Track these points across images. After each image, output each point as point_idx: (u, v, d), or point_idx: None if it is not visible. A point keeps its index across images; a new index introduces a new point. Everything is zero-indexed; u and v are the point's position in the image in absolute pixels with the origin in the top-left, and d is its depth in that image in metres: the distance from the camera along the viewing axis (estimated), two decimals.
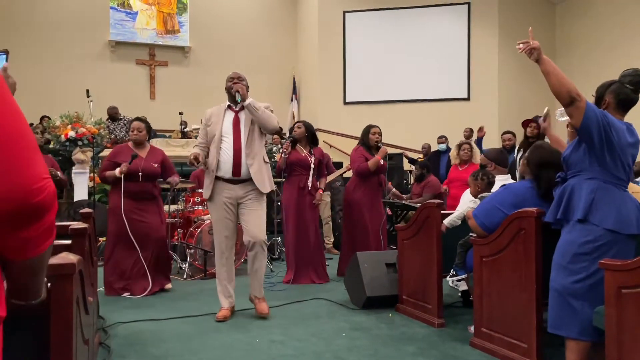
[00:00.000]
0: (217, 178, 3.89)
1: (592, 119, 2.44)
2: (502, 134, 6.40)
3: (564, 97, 2.48)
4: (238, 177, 3.87)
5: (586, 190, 2.51)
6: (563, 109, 2.61)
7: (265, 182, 3.93)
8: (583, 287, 2.48)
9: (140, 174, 4.71)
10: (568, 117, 2.60)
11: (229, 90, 3.93)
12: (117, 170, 4.65)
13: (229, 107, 3.97)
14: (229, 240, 3.99)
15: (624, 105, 2.61)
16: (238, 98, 3.83)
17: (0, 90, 0.82)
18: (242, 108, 3.92)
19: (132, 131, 4.86)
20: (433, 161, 8.36)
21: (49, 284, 1.49)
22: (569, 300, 2.52)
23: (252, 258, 3.98)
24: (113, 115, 9.75)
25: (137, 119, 5.11)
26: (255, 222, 3.94)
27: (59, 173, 4.55)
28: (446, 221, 3.71)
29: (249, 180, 3.89)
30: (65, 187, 4.99)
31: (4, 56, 1.38)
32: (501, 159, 4.11)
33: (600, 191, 2.50)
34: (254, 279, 4.05)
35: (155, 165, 4.81)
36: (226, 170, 3.86)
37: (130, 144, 4.91)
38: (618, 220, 2.46)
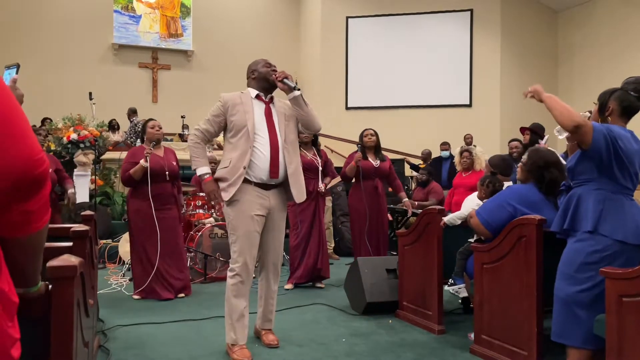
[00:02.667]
0: (245, 181, 3.14)
1: (600, 140, 2.46)
2: (509, 142, 6.40)
3: (569, 127, 2.47)
4: (275, 179, 3.19)
5: (594, 201, 2.51)
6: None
7: (302, 188, 3.30)
8: (589, 296, 2.48)
9: (167, 172, 4.68)
10: (567, 133, 2.61)
11: (265, 76, 3.27)
12: (142, 160, 4.57)
13: (257, 96, 3.28)
14: (254, 261, 3.23)
15: (628, 113, 2.61)
16: (293, 84, 3.19)
17: None
18: (272, 99, 3.32)
19: (153, 128, 4.78)
20: (435, 167, 8.38)
21: (50, 286, 1.50)
22: (574, 309, 2.51)
23: (267, 282, 3.40)
24: (130, 115, 9.78)
25: (151, 119, 4.99)
26: (280, 240, 3.35)
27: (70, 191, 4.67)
28: (446, 218, 3.68)
29: (280, 186, 3.27)
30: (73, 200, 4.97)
31: (15, 69, 1.42)
32: (503, 167, 4.09)
33: (608, 202, 2.50)
34: (266, 307, 3.45)
35: (175, 163, 4.81)
36: (261, 171, 3.14)
37: (146, 145, 4.77)
38: (628, 231, 2.46)
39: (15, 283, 1.00)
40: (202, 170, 3.19)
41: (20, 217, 0.90)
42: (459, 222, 3.65)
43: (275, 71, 3.28)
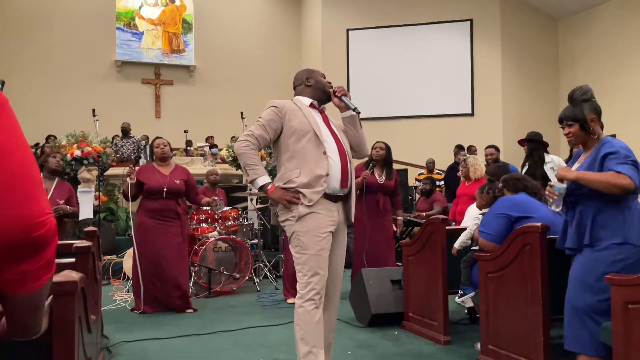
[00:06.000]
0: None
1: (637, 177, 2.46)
2: (485, 148, 6.45)
3: (620, 192, 2.47)
4: (345, 188, 2.81)
5: (613, 212, 2.50)
6: (555, 164, 2.69)
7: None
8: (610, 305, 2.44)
9: (165, 190, 4.71)
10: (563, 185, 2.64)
11: (323, 87, 2.99)
12: (128, 178, 4.60)
13: (310, 104, 2.96)
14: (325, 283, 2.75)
15: (600, 117, 2.72)
16: (353, 105, 2.93)
17: (11, 122, 0.82)
18: (324, 110, 3.04)
19: (158, 147, 4.87)
20: (452, 174, 8.31)
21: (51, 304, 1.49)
22: (596, 319, 2.47)
23: (327, 312, 2.83)
24: (126, 130, 9.80)
25: (157, 137, 5.07)
26: (343, 261, 2.93)
27: (68, 208, 4.54)
28: (456, 244, 3.68)
29: (344, 198, 2.86)
30: (76, 217, 4.97)
31: None
32: (500, 174, 4.10)
33: (626, 210, 2.49)
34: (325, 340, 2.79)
35: (178, 182, 4.81)
36: (334, 180, 2.76)
37: (155, 163, 4.86)
38: None
39: (15, 334, 0.96)
40: (264, 179, 2.75)
41: (17, 277, 0.85)
42: (470, 241, 3.65)
43: (330, 83, 3.03)
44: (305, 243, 2.67)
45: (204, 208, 5.97)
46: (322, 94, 2.99)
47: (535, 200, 3.29)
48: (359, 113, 2.94)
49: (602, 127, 2.76)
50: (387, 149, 5.34)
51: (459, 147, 9.71)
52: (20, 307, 0.93)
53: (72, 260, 2.44)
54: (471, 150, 9.32)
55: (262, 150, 8.85)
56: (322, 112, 2.98)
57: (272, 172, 8.24)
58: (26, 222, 0.81)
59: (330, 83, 3.04)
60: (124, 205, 8.07)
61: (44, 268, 0.88)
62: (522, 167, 5.46)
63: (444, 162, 9.86)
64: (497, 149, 6.44)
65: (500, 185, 3.57)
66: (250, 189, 6.75)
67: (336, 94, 2.95)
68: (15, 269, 0.84)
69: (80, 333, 1.73)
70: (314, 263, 2.65)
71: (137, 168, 4.77)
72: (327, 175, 2.70)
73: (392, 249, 5.35)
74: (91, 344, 2.24)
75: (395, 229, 5.47)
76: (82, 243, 2.61)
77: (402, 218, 5.48)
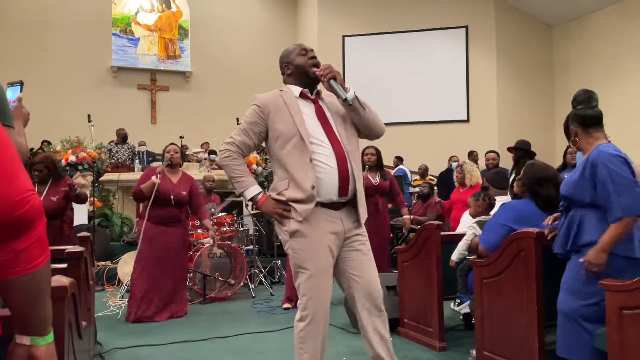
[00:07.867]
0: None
1: None
2: (486, 154, 6.49)
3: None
4: (345, 197, 2.45)
5: (599, 220, 2.48)
6: None
7: (365, 207, 2.60)
8: (596, 310, 2.43)
9: (172, 197, 4.73)
10: None
11: (305, 71, 2.53)
12: (154, 177, 4.63)
13: (300, 94, 2.53)
14: (329, 305, 2.43)
15: (591, 124, 2.60)
16: (343, 95, 2.43)
17: None
18: (319, 95, 2.60)
19: (169, 152, 4.90)
20: (445, 179, 8.35)
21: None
22: (581, 323, 2.47)
23: (374, 326, 2.43)
24: (125, 136, 9.78)
25: (171, 144, 5.11)
26: (374, 271, 2.50)
27: (77, 188, 4.71)
28: (454, 257, 3.64)
29: (349, 203, 2.50)
30: (84, 201, 5.19)
31: (19, 87, 1.40)
32: (497, 179, 4.09)
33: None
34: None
35: (184, 193, 4.85)
36: (329, 188, 2.39)
37: (163, 167, 4.83)
38: (635, 247, 2.43)
39: (19, 329, 0.94)
40: (252, 191, 2.43)
41: (8, 256, 0.85)
42: (467, 252, 3.61)
43: (315, 59, 2.56)
44: (303, 259, 2.37)
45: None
46: (306, 78, 2.54)
47: (540, 213, 3.09)
48: (349, 104, 2.46)
49: (601, 132, 2.63)
50: (378, 153, 5.41)
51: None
52: (19, 295, 0.90)
53: (64, 265, 2.43)
54: (472, 155, 9.33)
55: (258, 156, 8.93)
56: (315, 101, 2.55)
57: (269, 178, 8.23)
58: (7, 201, 0.80)
59: (314, 59, 2.55)
60: (119, 211, 8.03)
61: (35, 246, 0.87)
62: (510, 174, 5.50)
63: (439, 168, 9.87)
64: (498, 155, 6.49)
65: (522, 175, 3.35)
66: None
67: (323, 78, 2.47)
68: (6, 248, 0.83)
69: (71, 339, 1.71)
70: (315, 282, 2.35)
71: (165, 169, 4.79)
72: (313, 187, 2.34)
73: (384, 251, 5.36)
74: (83, 350, 2.21)
75: (404, 230, 5.49)
76: (75, 248, 2.59)
77: (408, 216, 5.54)
